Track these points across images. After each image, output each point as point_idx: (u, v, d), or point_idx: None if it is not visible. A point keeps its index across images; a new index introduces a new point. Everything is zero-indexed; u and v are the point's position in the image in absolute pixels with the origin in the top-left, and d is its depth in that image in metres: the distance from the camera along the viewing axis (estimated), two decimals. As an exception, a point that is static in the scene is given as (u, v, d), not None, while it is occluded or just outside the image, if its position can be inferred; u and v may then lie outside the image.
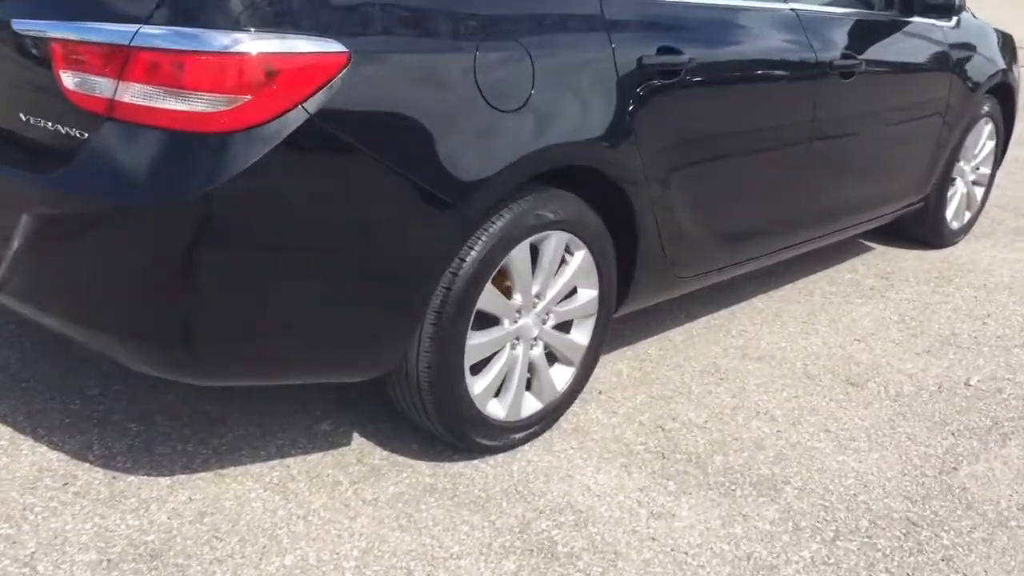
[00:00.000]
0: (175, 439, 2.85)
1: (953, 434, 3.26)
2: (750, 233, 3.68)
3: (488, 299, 2.67)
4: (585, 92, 2.76)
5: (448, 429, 2.76)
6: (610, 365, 3.56)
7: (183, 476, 2.67)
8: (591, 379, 3.36)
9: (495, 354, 2.81)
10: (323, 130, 2.23)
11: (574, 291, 3.00)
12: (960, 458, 3.11)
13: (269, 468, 2.75)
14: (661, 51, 2.99)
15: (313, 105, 2.21)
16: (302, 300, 2.35)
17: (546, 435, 3.05)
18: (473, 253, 2.58)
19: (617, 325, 3.81)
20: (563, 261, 2.91)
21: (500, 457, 2.90)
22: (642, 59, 2.91)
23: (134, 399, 3.04)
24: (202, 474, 2.69)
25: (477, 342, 2.71)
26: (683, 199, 3.22)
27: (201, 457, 2.77)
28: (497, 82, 2.52)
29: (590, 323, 3.06)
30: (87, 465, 2.69)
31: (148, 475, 2.67)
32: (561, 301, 2.95)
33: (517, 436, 2.93)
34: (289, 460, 2.80)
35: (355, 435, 2.96)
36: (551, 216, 2.75)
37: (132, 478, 2.65)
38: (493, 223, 2.62)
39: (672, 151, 3.09)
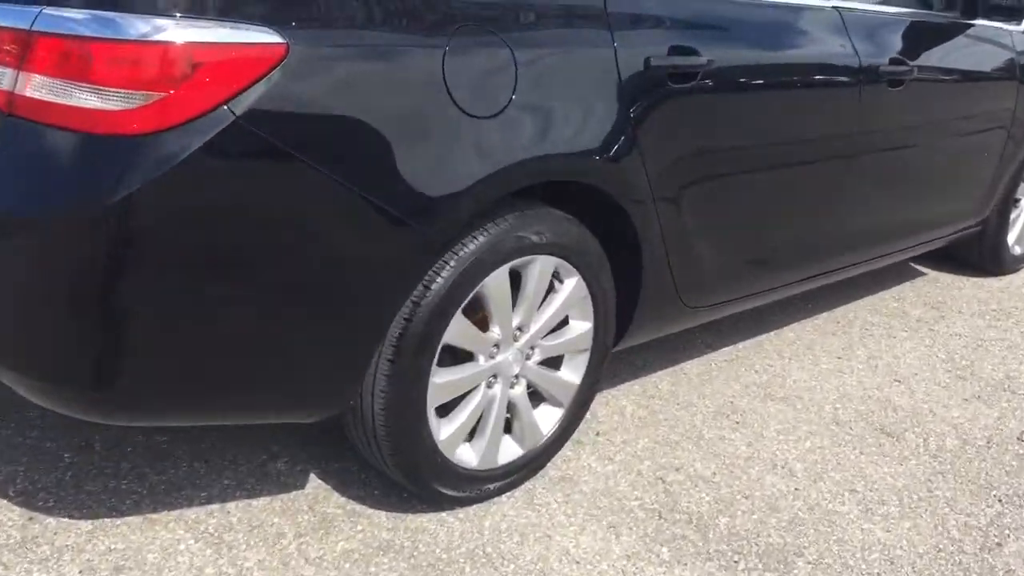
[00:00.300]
0: (109, 474, 2.54)
1: (1000, 500, 2.84)
2: (776, 260, 3.28)
3: (458, 332, 2.32)
4: (579, 97, 2.39)
5: (408, 478, 2.41)
6: (613, 401, 3.19)
7: (108, 520, 2.37)
8: (590, 418, 3.00)
9: (467, 394, 2.46)
10: (253, 134, 1.89)
11: (565, 322, 2.64)
12: (1006, 531, 2.69)
13: (207, 513, 2.43)
14: (674, 51, 2.61)
15: (241, 105, 1.87)
16: (231, 330, 2.02)
17: (528, 484, 2.69)
18: (439, 280, 2.23)
19: (626, 355, 3.44)
20: (551, 289, 2.55)
21: (472, 509, 2.55)
22: (650, 60, 2.53)
23: (75, 423, 2.74)
24: (130, 518, 2.38)
25: (444, 380, 2.36)
26: (697, 221, 2.84)
27: (134, 497, 2.46)
28: (470, 83, 2.16)
29: (583, 359, 2.70)
30: (3, 502, 2.40)
31: (70, 517, 2.36)
32: (549, 334, 2.59)
33: (492, 487, 2.58)
34: (232, 504, 2.48)
35: (312, 476, 2.63)
36: (535, 239, 2.39)
37: (51, 520, 2.35)
38: (463, 246, 2.26)
39: (685, 166, 2.71)
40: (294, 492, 2.55)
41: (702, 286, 3.00)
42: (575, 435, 2.94)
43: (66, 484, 2.48)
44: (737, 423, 3.14)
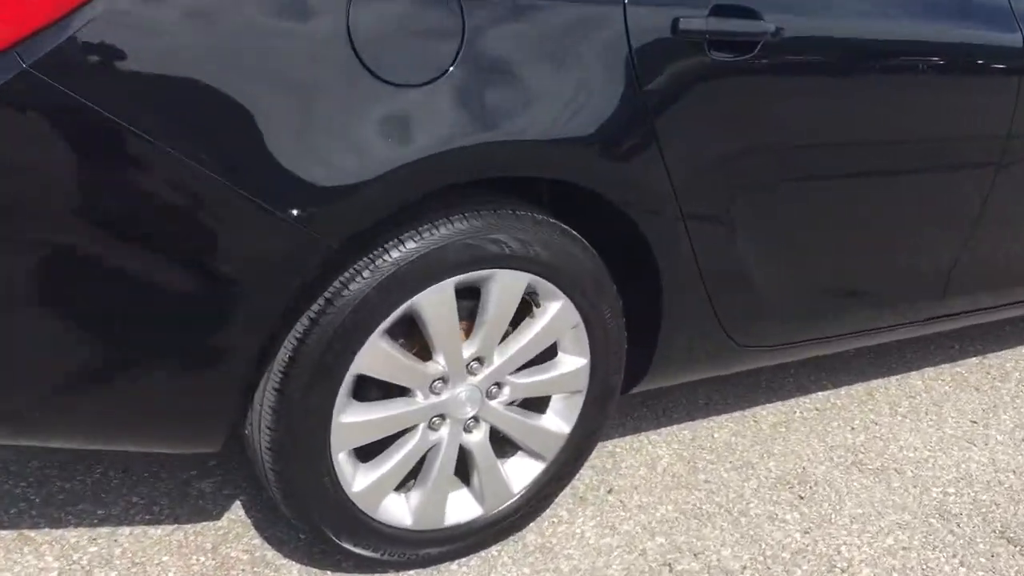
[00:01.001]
0: (12, 472, 2.21)
1: None
2: (873, 295, 2.53)
3: (377, 360, 1.80)
4: (561, 68, 1.78)
5: (310, 532, 1.93)
6: (648, 448, 2.57)
7: (-22, 531, 2.03)
8: (610, 467, 2.41)
9: (401, 436, 1.94)
10: (54, 92, 1.44)
11: (554, 355, 2.06)
12: None
13: (91, 539, 2.04)
14: (721, 11, 1.95)
15: (32, 52, 1.42)
16: (53, 342, 1.59)
17: (495, 549, 2.15)
18: (346, 294, 1.72)
19: (687, 388, 2.80)
20: (531, 311, 1.98)
21: (413, 574, 2.04)
22: (679, 22, 1.89)
23: None
24: (3, 532, 2.03)
25: (357, 419, 1.85)
26: (752, 240, 2.17)
27: (21, 506, 2.11)
28: (389, 38, 1.62)
29: (575, 402, 2.11)
30: None
31: (-60, 521, 2.05)
32: (522, 369, 2.02)
33: (432, 551, 2.05)
34: (126, 531, 2.08)
35: (236, 505, 2.19)
36: (495, 248, 1.82)
37: (-83, 522, 2.04)
38: (381, 253, 1.74)
39: (732, 169, 2.05)
40: (204, 523, 2.12)
41: (759, 321, 2.32)
42: (580, 489, 2.37)
43: (-39, 479, 2.17)
44: (801, 498, 2.45)
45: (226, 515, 2.15)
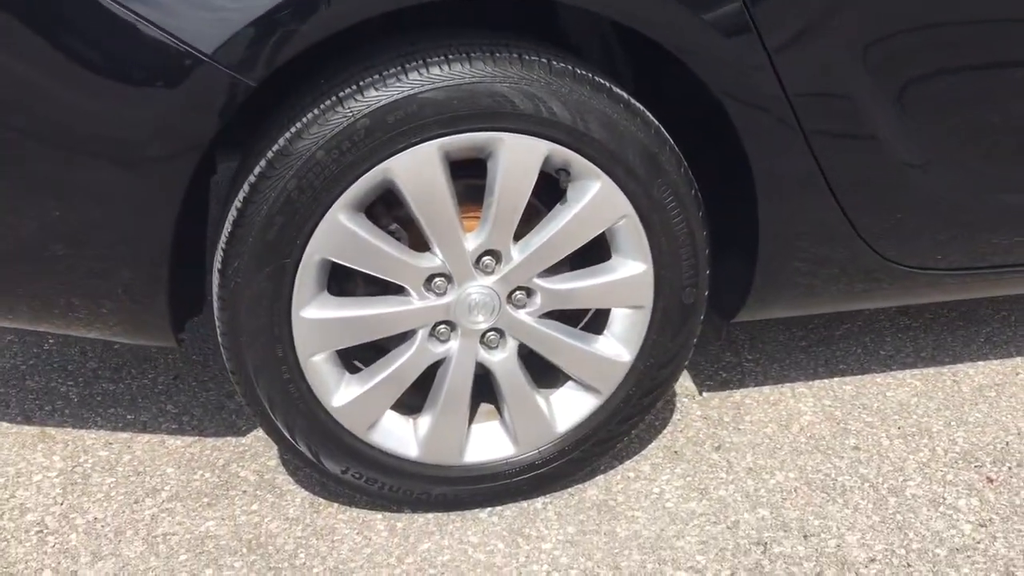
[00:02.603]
0: (60, 375, 2.11)
1: None
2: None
3: (341, 243, 1.45)
4: None
5: (288, 449, 1.63)
6: (789, 401, 2.00)
7: (5, 424, 1.93)
8: (731, 418, 1.91)
9: (400, 344, 1.58)
10: None
11: (607, 256, 1.60)
12: None
13: (104, 443, 1.87)
14: None
15: None
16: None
17: (539, 501, 1.73)
18: (289, 154, 1.39)
19: (873, 331, 2.20)
20: (565, 194, 1.53)
21: (427, 519, 1.68)
22: None
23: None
24: (28, 428, 1.92)
25: (332, 316, 1.51)
26: (903, 121, 1.58)
27: (52, 408, 1.99)
28: None
29: (639, 322, 1.63)
30: (-59, 380, 2.09)
31: (-20, 411, 1.98)
32: (554, 271, 1.58)
33: (447, 492, 1.67)
34: (143, 438, 1.89)
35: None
36: (490, 103, 1.40)
37: (-41, 411, 1.98)
38: (332, 105, 1.38)
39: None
40: (226, 439, 1.89)
41: (920, 236, 1.70)
42: (678, 441, 1.88)
43: (9, 371, 2.10)
44: (989, 481, 1.78)
45: (252, 433, 1.90)
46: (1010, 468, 1.82)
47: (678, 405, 1.99)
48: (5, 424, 1.92)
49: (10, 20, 1.29)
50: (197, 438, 1.89)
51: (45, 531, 1.66)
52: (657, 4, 1.40)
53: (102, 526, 1.67)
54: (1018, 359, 2.15)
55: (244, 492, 1.75)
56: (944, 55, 1.58)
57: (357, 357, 1.64)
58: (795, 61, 1.49)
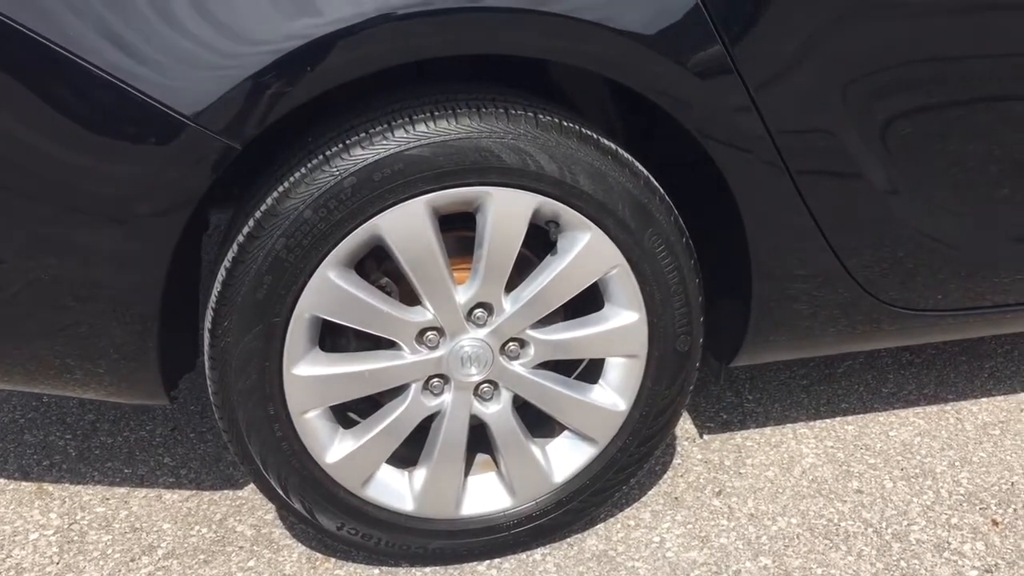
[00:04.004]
0: (59, 428, 2.10)
1: None
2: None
3: (332, 300, 1.45)
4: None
5: (281, 506, 1.62)
6: (791, 443, 1.98)
7: (3, 481, 1.93)
8: (732, 462, 1.89)
9: (396, 399, 1.57)
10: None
11: (600, 306, 1.59)
12: None
13: (103, 498, 1.86)
14: None
15: None
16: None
17: (538, 552, 1.71)
18: (278, 214, 1.39)
19: (875, 369, 2.18)
20: (555, 245, 1.53)
21: (432, 571, 1.67)
22: None
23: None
24: (24, 484, 1.91)
25: (324, 373, 1.50)
26: (891, 153, 1.57)
27: (50, 463, 1.98)
28: None
29: (634, 371, 1.62)
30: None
31: (-21, 467, 1.97)
32: (549, 321, 1.57)
33: (444, 546, 1.66)
34: (141, 493, 1.88)
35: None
36: (478, 159, 1.40)
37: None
38: (319, 164, 1.38)
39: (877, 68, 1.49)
40: (223, 492, 1.88)
41: (915, 279, 1.69)
42: (679, 487, 1.86)
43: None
44: (995, 524, 1.76)
45: (249, 486, 1.89)
46: (1015, 510, 1.79)
47: (678, 448, 1.98)
48: (3, 480, 1.92)
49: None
50: (194, 491, 1.89)
51: (41, 592, 1.65)
52: (630, 51, 1.39)
53: (103, 585, 1.66)
54: (1022, 395, 2.13)
55: (241, 548, 1.74)
56: (928, 92, 1.55)
57: (352, 409, 1.63)
58: (778, 101, 1.48)
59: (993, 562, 1.67)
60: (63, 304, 1.44)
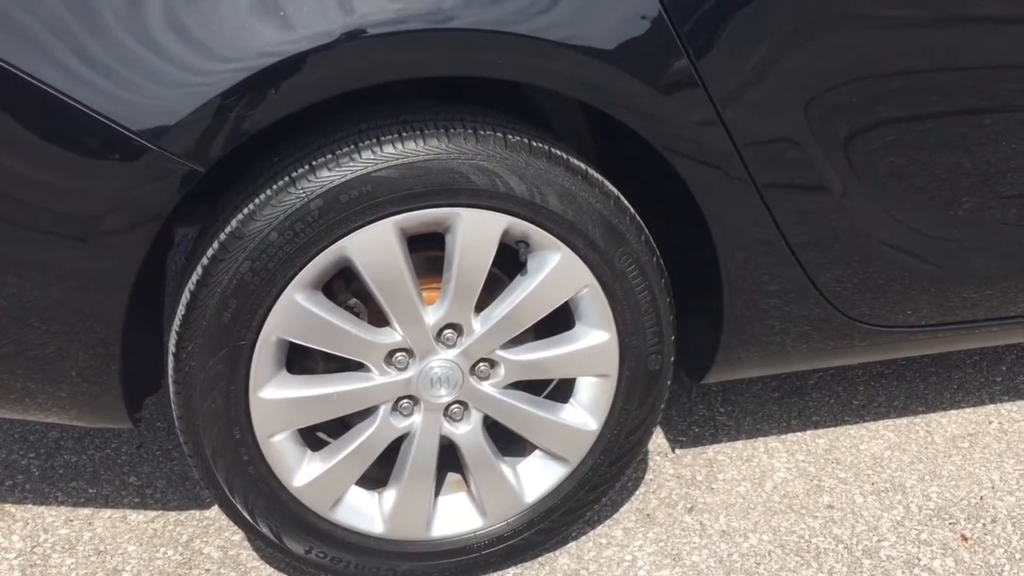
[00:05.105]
0: (22, 446, 2.06)
1: None
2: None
3: (297, 323, 1.43)
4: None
5: (247, 528, 1.59)
6: (762, 458, 1.98)
7: (-34, 502, 1.89)
8: (704, 478, 1.88)
9: (362, 420, 1.56)
10: None
11: (571, 325, 1.58)
12: None
13: (67, 519, 1.83)
14: None
15: None
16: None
17: (513, 572, 1.70)
18: (242, 237, 1.36)
19: (846, 381, 2.18)
20: (525, 265, 1.51)
21: (390, 596, 1.65)
22: None
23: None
24: (-14, 505, 1.88)
25: (291, 396, 1.48)
26: (866, 170, 1.57)
27: (13, 483, 1.94)
28: None
29: (605, 391, 1.61)
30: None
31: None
32: (520, 340, 1.56)
33: (415, 567, 1.64)
34: (106, 513, 1.85)
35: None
36: (445, 180, 1.38)
37: (-84, 488, 1.93)
38: (284, 186, 1.36)
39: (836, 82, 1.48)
40: (190, 512, 1.85)
41: (885, 295, 1.69)
42: (651, 504, 1.85)
43: (-19, 446, 2.05)
44: (963, 539, 1.77)
45: (216, 507, 1.86)
46: (984, 525, 1.80)
47: (650, 463, 1.97)
48: (-37, 501, 1.88)
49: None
50: (160, 512, 1.86)
51: (2, 618, 1.62)
52: (592, 69, 1.37)
53: (66, 610, 1.63)
54: (990, 407, 2.14)
55: (207, 571, 1.71)
56: (895, 106, 1.54)
57: (321, 429, 1.61)
58: (744, 115, 1.46)
59: (962, 578, 1.68)
60: (24, 325, 1.41)
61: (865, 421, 2.10)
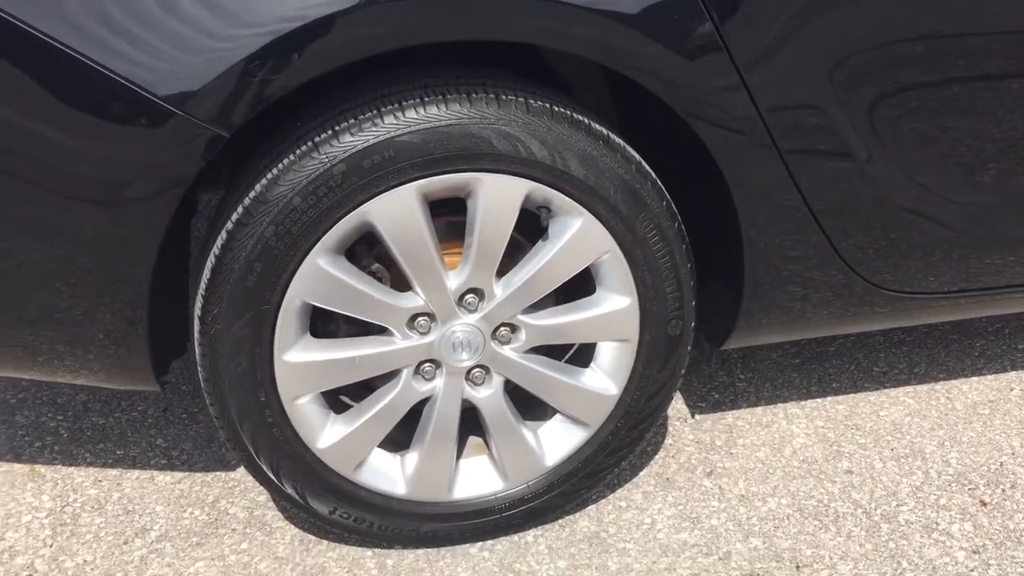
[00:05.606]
0: (50, 409, 2.10)
1: None
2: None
3: (321, 286, 1.44)
4: None
5: (273, 490, 1.62)
6: (782, 423, 1.99)
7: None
8: (724, 442, 1.90)
9: (387, 384, 1.57)
10: None
11: (592, 290, 1.59)
12: None
13: (95, 480, 1.86)
14: None
15: None
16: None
17: (533, 534, 1.72)
18: (267, 202, 1.38)
19: (867, 348, 2.18)
20: (546, 231, 1.52)
21: (416, 556, 1.68)
22: None
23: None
24: (17, 465, 1.91)
25: (316, 359, 1.50)
26: (889, 136, 1.56)
27: (43, 444, 1.98)
28: None
29: (625, 356, 1.62)
30: (-69, 417, 2.08)
31: (-29, 449, 1.97)
32: (541, 305, 1.57)
33: (438, 528, 1.67)
34: (133, 475, 1.88)
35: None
36: (468, 145, 1.39)
37: (-51, 449, 1.98)
38: (308, 151, 1.37)
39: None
40: (216, 474, 1.89)
41: (908, 261, 1.68)
42: (670, 468, 1.87)
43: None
44: (983, 504, 1.77)
45: (241, 468, 1.89)
46: (1004, 490, 1.81)
47: (670, 429, 1.98)
48: (-5, 462, 1.92)
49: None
50: (187, 473, 1.89)
51: (35, 575, 1.65)
52: (616, 33, 1.37)
53: (91, 569, 1.66)
54: (1012, 374, 2.14)
55: (233, 530, 1.75)
56: (920, 71, 1.52)
57: (344, 393, 1.63)
58: (768, 80, 1.46)
59: (981, 543, 1.69)
60: (52, 290, 1.43)
61: (886, 388, 2.10)
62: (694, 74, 1.43)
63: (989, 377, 2.13)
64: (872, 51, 1.49)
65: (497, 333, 1.55)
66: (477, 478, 1.67)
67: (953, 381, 2.12)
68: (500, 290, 1.52)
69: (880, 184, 1.61)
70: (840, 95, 1.50)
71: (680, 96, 1.45)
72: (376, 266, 1.54)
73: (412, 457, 1.62)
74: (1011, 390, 2.09)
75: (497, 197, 1.44)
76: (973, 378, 2.13)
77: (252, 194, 1.38)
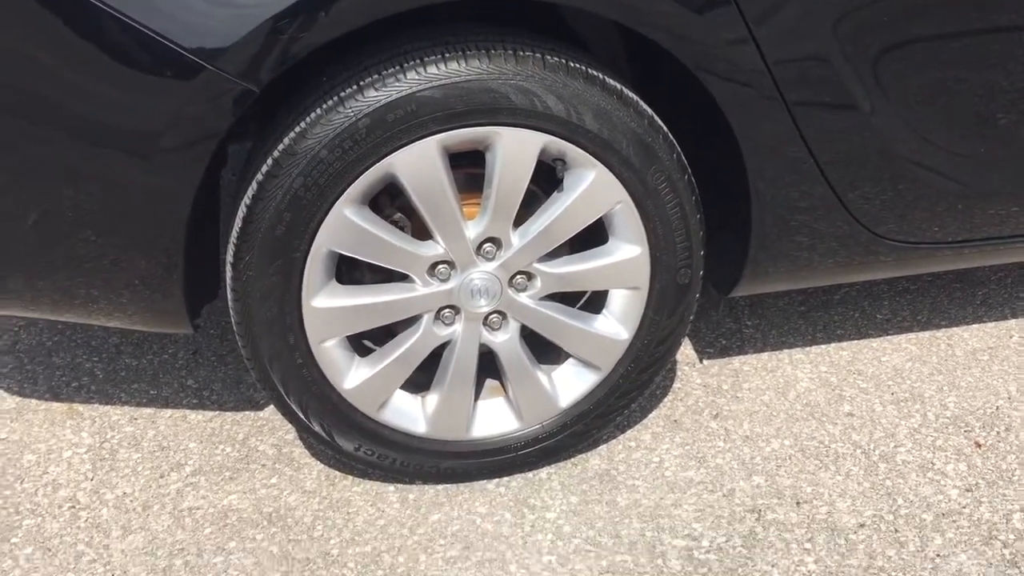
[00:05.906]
0: (85, 351, 2.19)
1: None
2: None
3: (347, 236, 1.52)
4: None
5: (301, 428, 1.71)
6: (786, 368, 2.07)
7: (34, 400, 2.02)
8: (730, 385, 1.97)
9: (407, 328, 1.66)
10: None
11: (604, 240, 1.66)
12: None
13: (131, 418, 1.96)
14: None
15: None
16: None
17: (547, 471, 1.81)
18: (295, 154, 1.44)
19: (872, 295, 2.25)
20: (561, 182, 1.59)
21: (440, 490, 1.77)
22: None
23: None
24: (55, 404, 2.01)
25: (342, 304, 1.58)
26: (899, 89, 1.61)
27: (79, 384, 2.08)
28: None
29: (636, 302, 1.69)
30: (-28, 358, 2.18)
31: None
32: (556, 254, 1.64)
33: (455, 465, 1.76)
34: (167, 413, 1.98)
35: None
36: (487, 100, 1.45)
37: (-10, 388, 2.08)
38: (334, 105, 1.43)
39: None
40: (245, 413, 1.98)
41: (913, 212, 1.74)
42: (678, 410, 1.95)
43: (23, 350, 2.19)
44: (977, 446, 1.85)
45: (270, 407, 1.98)
46: (998, 432, 1.88)
47: (678, 373, 2.06)
48: (35, 401, 2.02)
49: (41, 15, 1.34)
50: (217, 412, 1.98)
51: (77, 506, 1.76)
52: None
53: (131, 501, 1.77)
54: (1012, 321, 2.20)
55: (263, 466, 1.84)
56: (924, 23, 1.57)
57: (368, 337, 1.71)
58: (775, 33, 1.51)
59: (974, 482, 1.77)
60: (89, 236, 1.51)
61: (888, 334, 2.17)
62: (703, 28, 1.48)
63: (990, 324, 2.20)
64: (877, 3, 1.54)
65: (514, 280, 1.63)
66: (494, 418, 1.75)
67: (954, 328, 2.19)
68: (517, 239, 1.59)
69: (885, 136, 1.66)
70: (846, 48, 1.55)
71: (690, 50, 1.50)
72: (398, 216, 1.61)
73: (432, 398, 1.71)
74: (1010, 337, 2.15)
75: (514, 150, 1.51)
76: (974, 325, 2.19)
77: (281, 147, 1.45)
